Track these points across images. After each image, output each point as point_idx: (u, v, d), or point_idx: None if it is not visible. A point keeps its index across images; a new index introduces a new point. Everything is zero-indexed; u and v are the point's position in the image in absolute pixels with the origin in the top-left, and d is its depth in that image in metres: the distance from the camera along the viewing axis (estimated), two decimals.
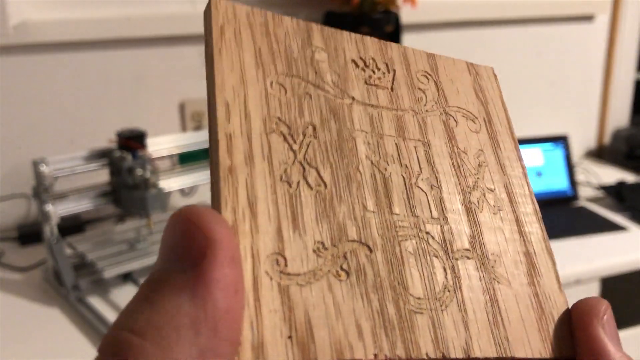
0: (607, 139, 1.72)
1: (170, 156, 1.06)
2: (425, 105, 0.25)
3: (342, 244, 0.21)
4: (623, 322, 1.18)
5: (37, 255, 1.08)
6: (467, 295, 0.22)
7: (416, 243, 0.22)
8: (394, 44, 0.26)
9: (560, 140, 1.36)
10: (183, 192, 1.05)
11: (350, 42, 0.25)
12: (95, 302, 0.94)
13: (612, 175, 1.49)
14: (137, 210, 0.97)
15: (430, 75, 0.26)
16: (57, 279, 0.97)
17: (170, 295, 0.16)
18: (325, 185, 0.21)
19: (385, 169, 0.23)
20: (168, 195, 1.01)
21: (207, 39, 0.22)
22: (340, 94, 0.24)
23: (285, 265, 0.19)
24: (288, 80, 0.23)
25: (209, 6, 0.23)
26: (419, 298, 0.21)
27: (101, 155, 0.98)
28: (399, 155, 0.24)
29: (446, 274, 0.22)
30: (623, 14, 1.62)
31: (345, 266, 0.20)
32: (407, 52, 0.27)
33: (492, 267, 0.23)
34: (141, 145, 0.98)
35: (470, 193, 0.24)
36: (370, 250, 0.21)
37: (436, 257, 0.22)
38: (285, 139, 0.22)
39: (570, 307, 0.23)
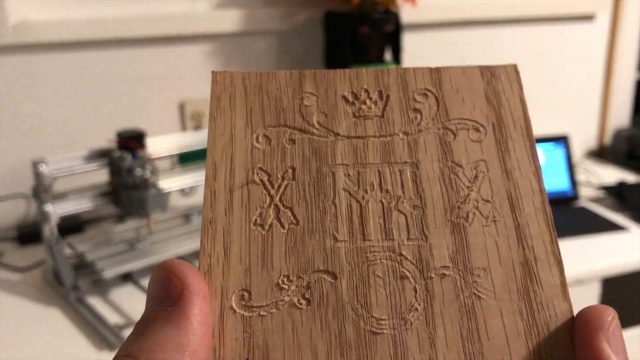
0: (607, 138, 1.72)
1: (170, 156, 1.06)
2: (419, 124, 0.26)
3: (308, 274, 0.23)
4: (623, 322, 1.17)
5: (36, 255, 1.08)
6: (439, 312, 0.22)
7: (387, 266, 0.23)
8: (393, 69, 0.27)
9: (561, 140, 1.36)
10: (183, 192, 1.05)
11: (343, 80, 0.27)
12: (95, 302, 0.94)
13: (612, 175, 1.49)
14: (137, 210, 0.97)
15: (430, 91, 0.27)
16: (57, 279, 0.97)
17: (158, 328, 0.20)
18: (297, 223, 0.24)
19: (363, 198, 0.25)
20: (168, 195, 1.01)
21: (210, 104, 0.26)
22: (325, 133, 0.26)
23: (250, 299, 0.22)
24: (274, 130, 0.26)
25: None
26: (381, 319, 0.22)
27: (101, 155, 0.98)
28: (381, 181, 0.25)
29: (416, 292, 0.23)
30: (624, 13, 1.62)
31: (307, 295, 0.23)
32: (406, 74, 0.27)
33: (475, 281, 0.23)
34: (141, 145, 0.98)
35: (459, 208, 0.24)
36: (335, 278, 0.23)
37: (407, 277, 0.23)
38: (264, 185, 0.25)
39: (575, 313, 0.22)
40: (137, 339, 0.20)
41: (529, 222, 0.24)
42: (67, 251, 1.00)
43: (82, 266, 0.99)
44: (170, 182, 1.01)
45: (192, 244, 1.03)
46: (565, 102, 1.63)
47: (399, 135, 0.26)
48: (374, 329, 0.22)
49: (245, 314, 0.22)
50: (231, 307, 0.22)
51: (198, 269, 0.22)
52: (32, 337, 0.87)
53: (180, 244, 1.03)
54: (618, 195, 1.34)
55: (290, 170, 0.25)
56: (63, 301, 0.95)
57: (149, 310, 0.21)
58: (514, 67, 0.28)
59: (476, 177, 0.25)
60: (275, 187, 0.25)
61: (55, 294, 0.97)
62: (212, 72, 0.27)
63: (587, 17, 1.59)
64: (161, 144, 1.03)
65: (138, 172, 0.94)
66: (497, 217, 0.24)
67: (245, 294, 0.22)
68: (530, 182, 0.25)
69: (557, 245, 0.24)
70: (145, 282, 0.99)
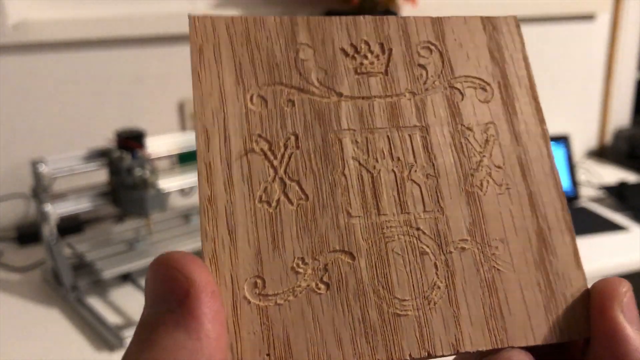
0: (608, 138, 1.72)
1: (170, 156, 1.06)
2: (425, 83, 0.24)
3: (324, 255, 0.21)
4: None
5: (36, 255, 1.08)
6: (461, 289, 0.21)
7: (405, 242, 0.22)
8: (392, 18, 0.25)
9: (562, 140, 1.36)
10: (183, 192, 1.04)
11: (340, 29, 0.25)
12: (94, 302, 0.94)
13: (613, 175, 1.49)
14: (136, 210, 0.97)
15: (434, 44, 0.25)
16: (56, 279, 0.97)
17: (166, 333, 0.18)
18: (307, 198, 0.22)
19: (374, 167, 0.23)
20: (167, 195, 1.01)
21: (191, 58, 0.23)
22: (327, 93, 0.23)
23: (264, 286, 0.20)
24: (270, 90, 0.23)
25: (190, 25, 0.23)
26: (404, 299, 0.21)
27: (100, 155, 0.97)
28: (391, 148, 0.23)
29: (437, 269, 0.21)
30: (624, 13, 1.62)
31: (325, 278, 0.21)
32: (407, 24, 0.25)
33: (494, 254, 0.22)
34: (140, 145, 0.98)
35: (472, 175, 0.23)
36: (354, 258, 0.21)
37: (426, 254, 0.22)
38: (265, 156, 0.22)
39: (590, 285, 0.22)
40: (143, 348, 0.18)
41: (540, 190, 0.23)
42: (67, 251, 1.00)
43: (82, 266, 0.99)
44: (170, 182, 1.01)
45: (192, 244, 1.02)
46: (566, 102, 1.63)
47: (405, 96, 0.24)
48: (397, 311, 0.21)
49: (261, 303, 0.20)
50: (245, 298, 0.20)
51: (201, 259, 0.20)
52: (32, 337, 0.87)
53: (180, 244, 1.03)
54: (618, 195, 1.33)
55: (292, 138, 0.22)
56: (62, 301, 0.95)
57: (151, 310, 0.19)
58: (514, 19, 0.26)
59: (487, 141, 0.24)
60: (278, 157, 0.22)
61: (54, 294, 0.97)
62: (189, 15, 0.23)
63: (588, 17, 1.58)
64: (161, 144, 1.03)
65: (137, 172, 0.94)
66: (510, 185, 0.23)
67: (258, 281, 0.20)
68: (538, 146, 0.24)
69: (568, 212, 0.23)
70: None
